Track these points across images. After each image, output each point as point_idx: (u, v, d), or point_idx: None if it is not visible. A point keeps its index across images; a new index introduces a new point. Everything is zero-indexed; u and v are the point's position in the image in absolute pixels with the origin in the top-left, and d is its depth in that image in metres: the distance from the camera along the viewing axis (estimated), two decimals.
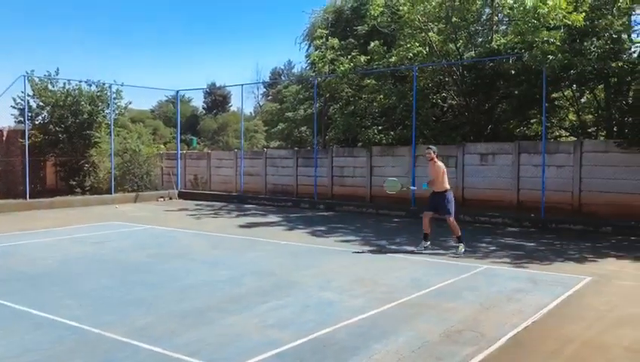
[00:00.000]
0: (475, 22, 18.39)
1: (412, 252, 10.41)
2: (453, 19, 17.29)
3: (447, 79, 19.10)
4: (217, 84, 57.02)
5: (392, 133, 19.07)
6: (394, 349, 5.18)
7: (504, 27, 18.91)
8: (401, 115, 18.72)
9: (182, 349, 5.13)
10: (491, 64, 16.97)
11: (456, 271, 8.64)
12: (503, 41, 16.79)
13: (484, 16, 18.79)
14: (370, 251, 10.57)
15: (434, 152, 10.58)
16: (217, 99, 58.04)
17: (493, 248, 11.06)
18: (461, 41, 18.29)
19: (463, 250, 10.26)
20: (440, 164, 10.53)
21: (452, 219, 10.32)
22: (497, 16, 18.63)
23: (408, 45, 17.69)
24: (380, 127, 19.44)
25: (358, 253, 10.42)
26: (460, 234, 10.39)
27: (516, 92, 16.92)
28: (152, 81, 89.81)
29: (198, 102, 60.28)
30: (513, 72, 16.38)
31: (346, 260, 9.70)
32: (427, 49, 18.01)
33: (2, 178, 20.62)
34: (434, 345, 5.31)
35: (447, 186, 10.48)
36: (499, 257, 9.97)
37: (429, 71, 18.74)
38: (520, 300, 6.97)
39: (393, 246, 11.05)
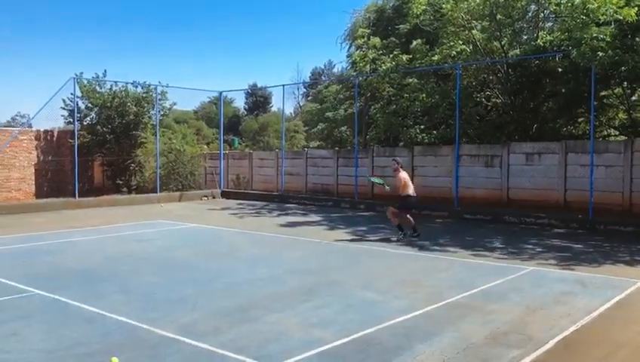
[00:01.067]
0: (520, 19, 18.01)
1: (455, 252, 10.31)
2: (498, 16, 16.99)
3: (491, 77, 18.78)
4: (259, 85, 57.58)
5: (434, 132, 18.83)
6: (438, 350, 5.12)
7: (550, 24, 18.50)
8: (444, 114, 18.50)
9: (227, 346, 5.20)
10: (537, 62, 16.61)
11: (501, 273, 8.48)
12: (549, 38, 16.42)
13: (530, 13, 18.39)
14: (413, 252, 10.48)
15: (397, 163, 11.97)
16: (258, 100, 58.50)
17: (540, 249, 10.81)
18: (506, 38, 17.92)
19: (400, 237, 11.63)
20: (402, 174, 11.82)
21: (393, 210, 11.84)
22: (543, 12, 18.23)
23: (451, 43, 17.50)
24: (422, 127, 19.25)
25: (401, 253, 10.35)
26: (397, 224, 11.79)
27: (563, 90, 16.52)
28: (195, 82, 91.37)
29: (240, 102, 60.89)
30: (560, 69, 16.02)
31: (388, 260, 9.66)
32: (471, 47, 17.76)
33: (52, 177, 21.31)
34: (479, 347, 5.23)
35: (408, 192, 11.73)
36: (545, 259, 9.73)
37: (473, 69, 18.46)
38: (568, 303, 6.79)
39: (436, 247, 10.92)
